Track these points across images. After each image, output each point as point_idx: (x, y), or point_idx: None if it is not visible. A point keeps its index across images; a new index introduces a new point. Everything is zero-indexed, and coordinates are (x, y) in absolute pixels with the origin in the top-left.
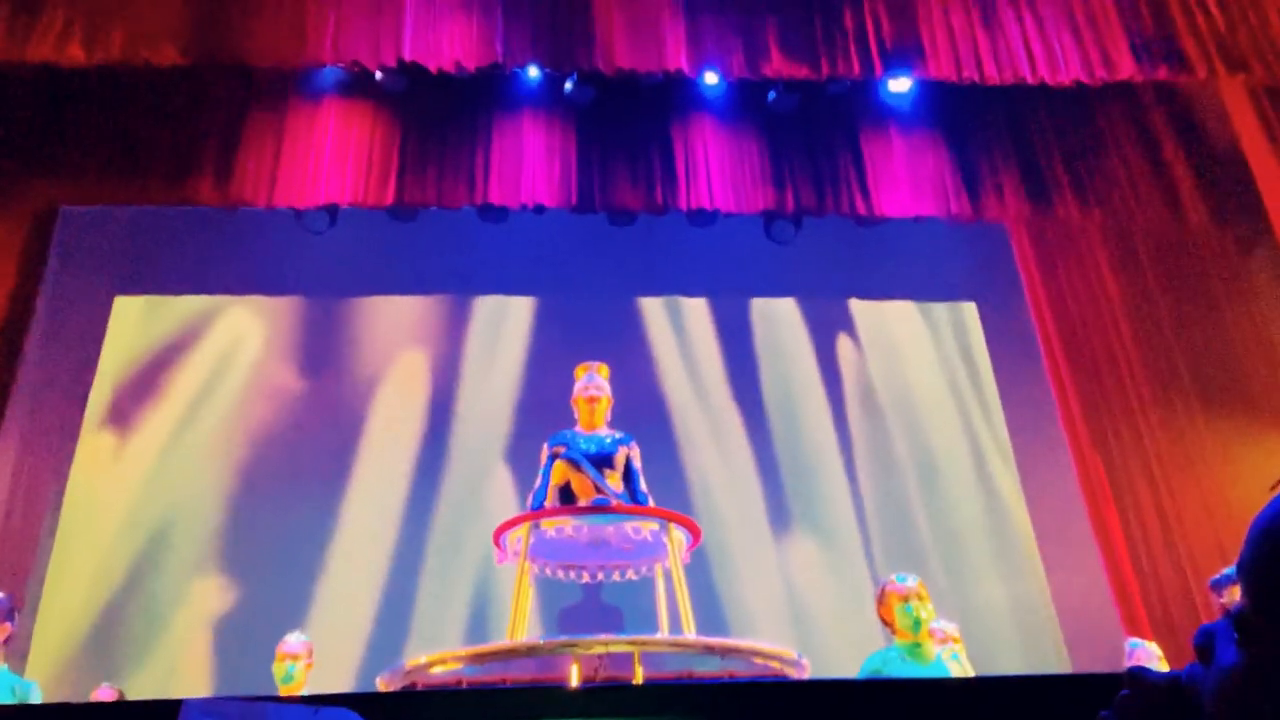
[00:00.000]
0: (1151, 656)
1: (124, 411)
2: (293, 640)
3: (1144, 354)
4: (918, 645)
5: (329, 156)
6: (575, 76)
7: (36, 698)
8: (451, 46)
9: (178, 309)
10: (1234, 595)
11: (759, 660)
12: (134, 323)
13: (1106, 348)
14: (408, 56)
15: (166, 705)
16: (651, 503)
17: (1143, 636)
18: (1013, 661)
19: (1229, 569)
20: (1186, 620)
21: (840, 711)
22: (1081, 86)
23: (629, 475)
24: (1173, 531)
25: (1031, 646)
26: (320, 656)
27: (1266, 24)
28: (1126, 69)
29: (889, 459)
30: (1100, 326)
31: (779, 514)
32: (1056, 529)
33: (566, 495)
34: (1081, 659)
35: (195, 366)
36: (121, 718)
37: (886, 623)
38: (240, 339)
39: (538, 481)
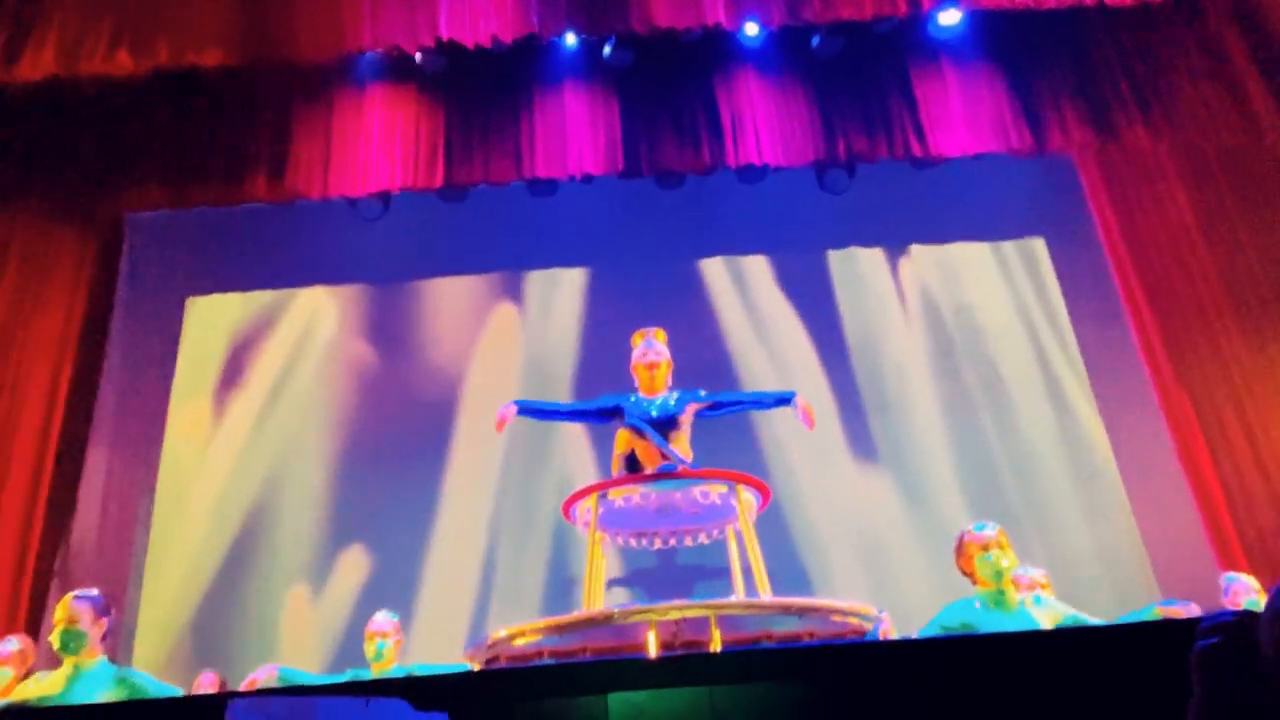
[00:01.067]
0: (1249, 589)
1: (208, 406)
2: (380, 619)
3: (1225, 279)
4: (1001, 594)
5: (377, 143)
6: (613, 40)
7: (152, 686)
8: (487, 21)
9: (248, 306)
10: None
11: (837, 618)
12: (208, 322)
13: (1185, 276)
14: (445, 35)
15: (214, 701)
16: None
17: (1239, 570)
18: (1105, 604)
19: None
20: None
21: (921, 669)
22: (1143, 3)
23: (723, 402)
24: (1266, 461)
25: (1124, 588)
26: (429, 631)
27: None
28: None
29: (968, 403)
30: (1177, 254)
31: (856, 465)
32: (1143, 466)
33: (632, 463)
34: (1176, 597)
35: (271, 359)
36: (168, 715)
37: (967, 573)
38: (311, 329)
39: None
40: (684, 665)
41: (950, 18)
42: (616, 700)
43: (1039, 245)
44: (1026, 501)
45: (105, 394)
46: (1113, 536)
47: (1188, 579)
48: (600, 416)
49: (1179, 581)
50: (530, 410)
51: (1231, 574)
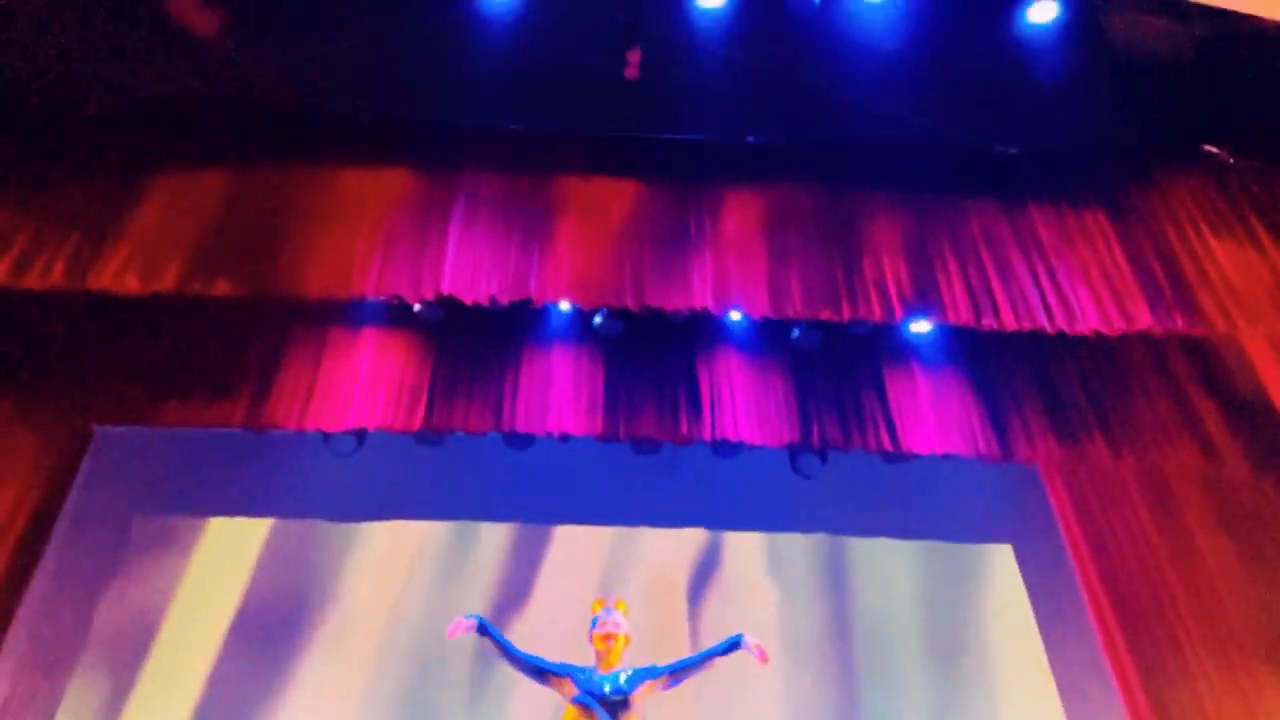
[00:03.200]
0: None
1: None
2: None
3: (1194, 606)
4: None
5: (363, 382)
6: (605, 311)
7: None
8: (488, 283)
9: (190, 532)
10: None
11: None
12: (147, 548)
13: (1155, 599)
14: (446, 290)
15: None
16: None
17: None
18: None
19: None
20: None
21: None
22: (1101, 335)
23: (677, 670)
24: None
25: None
26: None
27: (1279, 276)
28: (1144, 320)
29: (938, 715)
30: (1146, 576)
31: None
32: None
33: None
34: None
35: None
36: None
37: None
38: (237, 565)
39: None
40: None
41: (922, 326)
42: None
43: (1006, 552)
44: None
45: (23, 617)
46: None
47: None
48: (545, 675)
49: None
50: (489, 632)
51: None
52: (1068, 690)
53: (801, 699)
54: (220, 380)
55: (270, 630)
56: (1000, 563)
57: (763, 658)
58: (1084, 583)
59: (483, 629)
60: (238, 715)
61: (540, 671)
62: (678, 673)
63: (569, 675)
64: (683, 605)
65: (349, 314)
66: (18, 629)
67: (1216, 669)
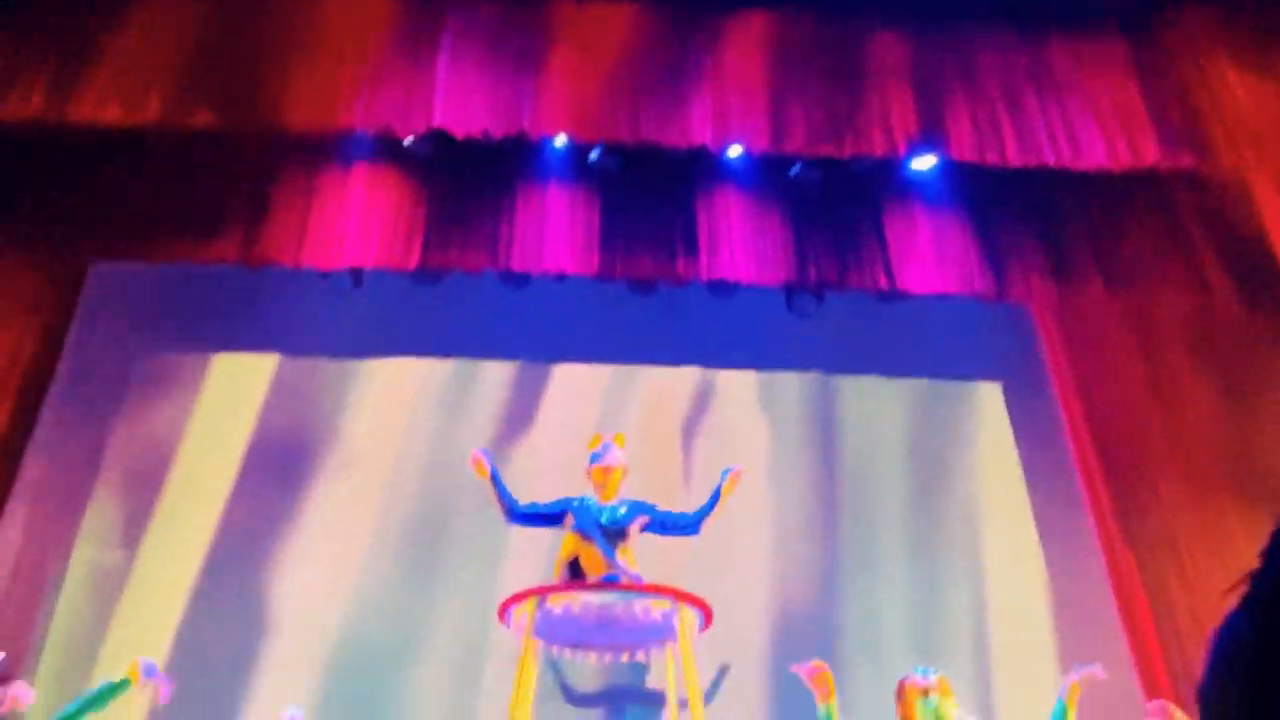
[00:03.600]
0: None
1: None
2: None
3: (1172, 441)
4: None
5: (356, 220)
6: (601, 146)
7: None
8: (479, 116)
9: (194, 369)
10: None
11: None
12: (154, 382)
13: (1134, 434)
14: (437, 123)
15: None
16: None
17: None
18: None
19: None
20: None
21: None
22: (1106, 172)
23: (669, 523)
24: (1206, 631)
25: None
26: None
27: None
28: (1151, 156)
29: (919, 546)
30: (1129, 414)
31: (805, 596)
32: (1084, 622)
33: (575, 570)
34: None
35: (195, 431)
36: None
37: None
38: (246, 399)
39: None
40: None
41: (924, 163)
42: None
43: (996, 390)
44: (970, 651)
45: (35, 452)
46: (1052, 692)
47: None
48: (549, 521)
49: None
50: (497, 485)
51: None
52: (1044, 520)
53: (789, 530)
54: (212, 216)
55: (281, 461)
56: (989, 400)
57: (734, 478)
58: (1067, 417)
59: (494, 478)
60: (253, 541)
61: (542, 518)
62: (669, 525)
63: (568, 510)
64: (677, 439)
65: (338, 149)
66: (30, 462)
67: (1188, 501)
